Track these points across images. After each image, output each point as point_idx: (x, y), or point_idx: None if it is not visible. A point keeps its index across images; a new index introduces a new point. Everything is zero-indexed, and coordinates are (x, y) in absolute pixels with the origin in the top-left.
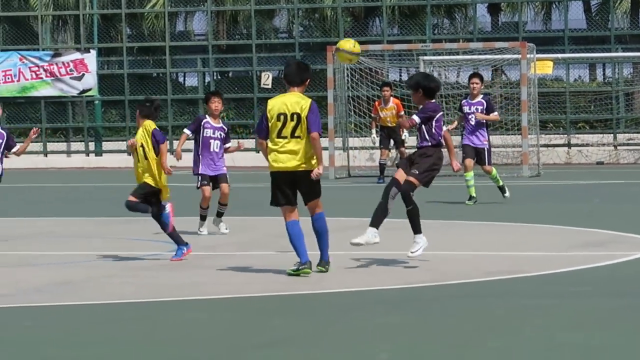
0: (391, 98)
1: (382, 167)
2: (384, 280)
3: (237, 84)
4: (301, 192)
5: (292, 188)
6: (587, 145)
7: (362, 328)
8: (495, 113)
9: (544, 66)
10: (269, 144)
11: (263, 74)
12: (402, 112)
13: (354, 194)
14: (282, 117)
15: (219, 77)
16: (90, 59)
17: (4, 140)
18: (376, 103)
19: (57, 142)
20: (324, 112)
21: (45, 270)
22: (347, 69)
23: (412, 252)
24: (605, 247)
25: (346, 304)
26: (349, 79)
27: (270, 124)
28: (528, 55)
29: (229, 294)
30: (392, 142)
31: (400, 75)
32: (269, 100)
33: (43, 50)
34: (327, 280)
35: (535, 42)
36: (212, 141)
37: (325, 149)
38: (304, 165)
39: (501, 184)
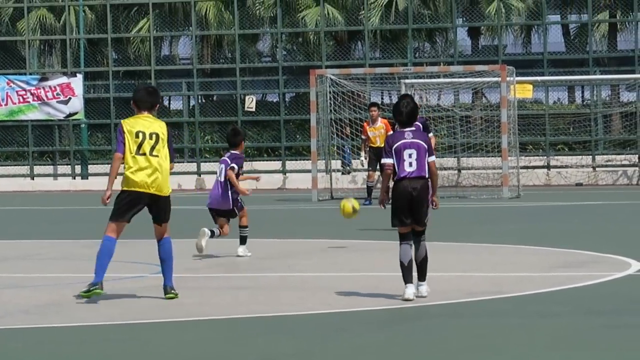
0: (379, 118)
1: (369, 189)
2: (369, 301)
3: (222, 107)
4: (152, 214)
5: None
6: (566, 166)
7: (348, 348)
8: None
9: (523, 90)
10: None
11: (247, 97)
12: (391, 132)
13: (337, 216)
14: (140, 134)
15: (204, 100)
16: (77, 82)
17: None
18: (365, 124)
19: (44, 165)
20: (307, 134)
21: (32, 292)
22: (330, 93)
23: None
24: (585, 268)
25: (331, 324)
26: (332, 102)
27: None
28: (508, 78)
29: (215, 315)
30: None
31: (382, 98)
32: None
33: (30, 74)
34: (311, 301)
35: (515, 65)
36: None
37: (309, 171)
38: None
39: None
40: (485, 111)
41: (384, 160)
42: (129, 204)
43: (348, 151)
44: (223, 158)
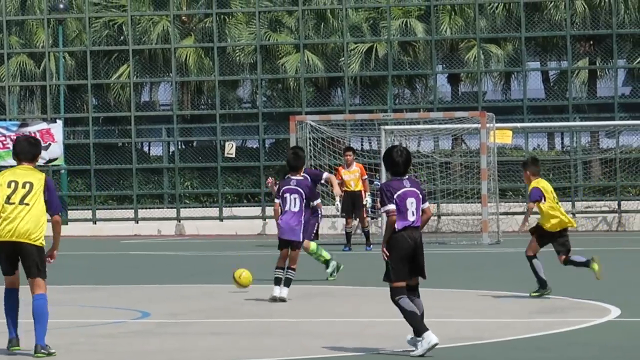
0: (354, 162)
1: (348, 235)
2: (350, 348)
3: (201, 153)
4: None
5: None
6: None
7: None
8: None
9: (503, 136)
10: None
11: (227, 143)
12: (366, 177)
13: (317, 262)
14: (12, 184)
15: (184, 146)
16: (57, 128)
17: None
18: (339, 168)
19: None
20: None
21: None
22: (310, 139)
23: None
24: (565, 314)
25: None
26: (312, 149)
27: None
28: (487, 125)
29: None
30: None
31: (362, 145)
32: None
33: (10, 120)
34: (292, 346)
35: (494, 111)
36: None
37: None
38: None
39: (327, 258)
40: (465, 157)
41: (387, 208)
42: (2, 257)
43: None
44: (290, 187)
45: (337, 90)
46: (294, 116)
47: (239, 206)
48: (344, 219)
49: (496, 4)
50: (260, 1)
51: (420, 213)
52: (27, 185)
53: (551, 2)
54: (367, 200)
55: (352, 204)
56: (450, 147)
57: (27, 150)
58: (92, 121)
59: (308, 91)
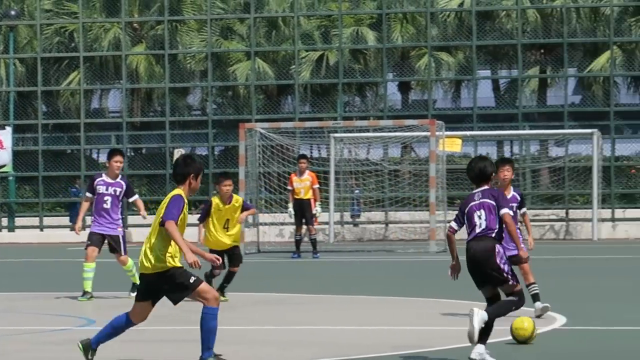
0: (307, 170)
1: (297, 242)
2: (291, 356)
3: (151, 160)
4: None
5: None
6: None
7: None
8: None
9: (452, 144)
10: None
11: (176, 150)
12: (317, 185)
13: (266, 269)
14: None
15: (133, 153)
16: (6, 135)
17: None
18: (292, 175)
19: None
20: (236, 188)
21: None
22: (259, 147)
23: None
24: (508, 321)
25: None
26: (261, 156)
27: None
28: (437, 133)
29: None
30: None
31: (312, 152)
32: None
33: None
34: (241, 353)
35: (444, 119)
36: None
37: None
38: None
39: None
40: (414, 165)
41: (450, 224)
42: None
43: None
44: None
45: (287, 98)
46: (243, 124)
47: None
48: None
49: (448, 13)
50: (212, 8)
51: (493, 221)
52: None
53: (503, 11)
54: (317, 209)
55: (301, 212)
56: (400, 155)
57: None
58: (42, 128)
59: (258, 99)
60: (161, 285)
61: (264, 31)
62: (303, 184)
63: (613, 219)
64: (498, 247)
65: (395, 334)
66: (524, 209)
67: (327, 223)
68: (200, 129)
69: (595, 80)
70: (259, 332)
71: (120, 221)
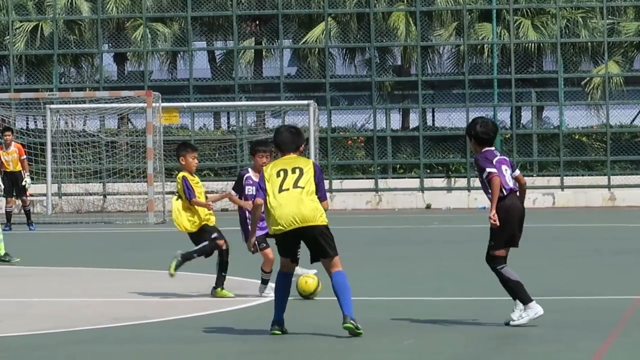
0: (12, 142)
1: (8, 215)
2: (8, 328)
3: None
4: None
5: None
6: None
7: None
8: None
9: (170, 117)
10: None
11: None
12: (24, 157)
13: None
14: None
15: None
16: None
17: None
18: None
19: None
20: None
21: None
22: None
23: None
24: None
25: None
26: None
27: None
28: (154, 104)
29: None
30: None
31: (27, 124)
32: None
33: None
34: None
35: (161, 90)
36: None
37: None
38: None
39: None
40: (131, 137)
41: (490, 169)
42: None
43: None
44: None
45: (2, 69)
46: None
47: None
48: (4, 199)
49: None
50: None
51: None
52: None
53: None
54: (27, 180)
55: (12, 184)
56: (117, 127)
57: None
58: None
59: None
60: None
61: None
62: (11, 156)
63: (331, 190)
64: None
65: (114, 305)
66: None
67: (44, 195)
68: None
69: (310, 52)
70: None
71: None
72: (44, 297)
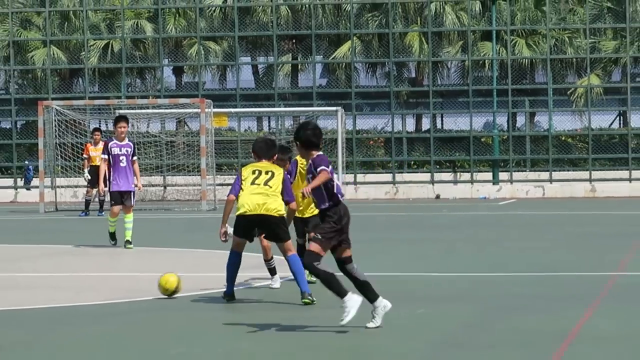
0: (101, 141)
1: (87, 202)
2: (87, 297)
3: None
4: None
5: None
6: None
7: (71, 338)
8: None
9: (219, 120)
10: None
11: None
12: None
13: (63, 226)
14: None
15: None
16: None
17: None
18: (87, 145)
19: None
20: (36, 157)
21: None
22: (55, 121)
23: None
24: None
25: (54, 317)
26: (57, 129)
27: None
28: (206, 110)
29: None
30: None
31: (100, 126)
32: None
33: None
34: (39, 298)
35: (212, 98)
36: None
37: (36, 187)
38: None
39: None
40: (187, 137)
41: (328, 169)
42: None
43: (31, 170)
44: None
45: (78, 80)
46: (41, 101)
47: None
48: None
49: (214, 8)
50: (13, 3)
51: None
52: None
53: (259, 7)
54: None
55: (96, 177)
56: (175, 129)
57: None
58: None
59: (54, 80)
60: None
61: (58, 22)
62: (98, 152)
63: (355, 182)
64: None
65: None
66: None
67: None
68: (4, 106)
69: (338, 66)
70: (50, 279)
71: None
72: (117, 272)
